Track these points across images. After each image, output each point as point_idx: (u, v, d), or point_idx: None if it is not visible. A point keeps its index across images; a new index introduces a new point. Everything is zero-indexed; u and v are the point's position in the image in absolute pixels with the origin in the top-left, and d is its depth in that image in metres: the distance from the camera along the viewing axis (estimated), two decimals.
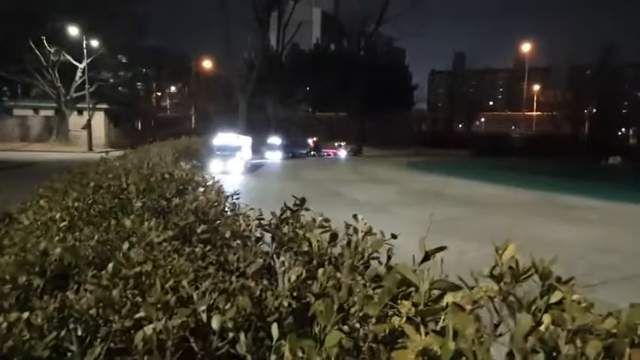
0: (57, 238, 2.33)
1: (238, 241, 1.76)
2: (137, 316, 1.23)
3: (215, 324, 1.13)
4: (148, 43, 51.32)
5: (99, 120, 41.22)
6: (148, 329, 1.05)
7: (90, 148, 35.10)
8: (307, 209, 1.79)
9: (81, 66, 36.97)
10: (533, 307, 0.81)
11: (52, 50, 36.05)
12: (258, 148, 33.41)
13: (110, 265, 1.56)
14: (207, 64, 56.21)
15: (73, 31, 35.78)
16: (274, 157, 32.87)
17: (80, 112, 39.64)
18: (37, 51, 35.02)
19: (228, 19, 38.29)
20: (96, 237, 2.20)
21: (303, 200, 1.69)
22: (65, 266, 1.92)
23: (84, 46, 35.31)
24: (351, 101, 51.22)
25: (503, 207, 11.79)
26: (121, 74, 49.00)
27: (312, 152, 39.52)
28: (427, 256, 1.11)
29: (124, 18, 39.72)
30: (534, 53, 76.17)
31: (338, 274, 1.17)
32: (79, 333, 1.37)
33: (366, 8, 51.97)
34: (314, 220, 1.62)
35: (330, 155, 40.02)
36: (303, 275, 1.23)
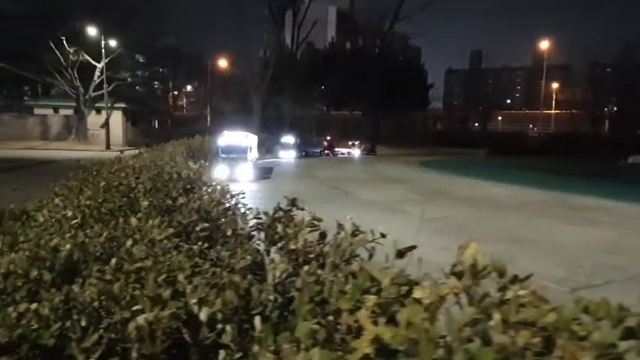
0: (68, 235, 2.46)
1: (234, 240, 1.85)
2: (134, 308, 1.32)
3: (203, 316, 1.22)
4: (165, 43, 51.96)
5: (117, 119, 41.83)
6: (141, 319, 1.14)
7: (108, 147, 35.68)
8: (302, 209, 1.86)
9: (99, 66, 37.57)
10: (487, 302, 0.88)
11: (71, 50, 36.71)
12: (271, 147, 33.50)
13: (113, 261, 1.66)
14: (222, 63, 56.65)
15: (92, 31, 36.41)
16: (288, 156, 32.91)
17: (98, 111, 40.28)
18: (56, 51, 35.69)
19: (243, 19, 38.57)
20: (105, 234, 2.31)
21: (294, 200, 1.77)
22: (74, 261, 2.04)
23: (102, 46, 35.88)
24: (365, 100, 51.13)
25: (512, 207, 11.71)
26: (139, 73, 49.72)
27: (326, 151, 39.55)
28: (400, 254, 1.18)
29: (141, 18, 40.21)
30: (553, 51, 75.06)
31: (320, 271, 1.25)
32: (83, 323, 1.47)
33: (382, 6, 51.90)
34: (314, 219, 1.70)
35: (343, 154, 40.00)
36: (289, 271, 1.31)
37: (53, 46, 35.28)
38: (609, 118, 68.02)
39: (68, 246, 2.09)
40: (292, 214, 1.75)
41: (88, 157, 7.41)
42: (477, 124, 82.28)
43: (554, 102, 75.23)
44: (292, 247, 1.43)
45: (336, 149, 40.34)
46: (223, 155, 17.90)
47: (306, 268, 1.33)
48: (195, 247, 1.75)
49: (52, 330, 1.38)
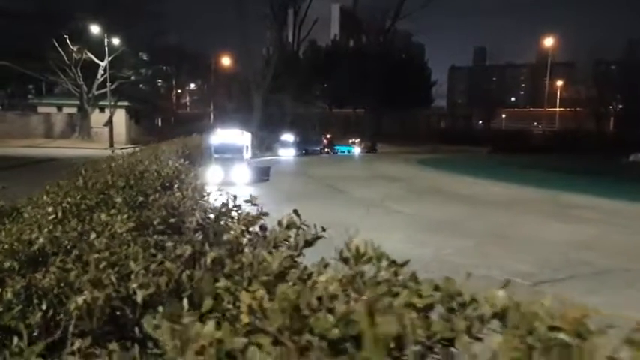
0: (46, 229, 2.64)
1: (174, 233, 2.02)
2: (85, 292, 1.48)
3: (139, 298, 1.39)
4: (169, 41, 52.26)
5: (120, 117, 42.11)
6: (80, 299, 1.31)
7: (111, 145, 35.94)
8: (255, 204, 2.01)
9: (102, 64, 37.84)
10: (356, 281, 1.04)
11: (75, 49, 37.01)
12: (271, 146, 33.59)
13: (75, 252, 1.83)
14: (225, 61, 56.87)
15: (95, 29, 36.68)
16: (287, 154, 32.95)
17: (102, 109, 40.58)
18: (60, 49, 36.00)
19: (244, 16, 38.72)
20: (79, 229, 2.48)
21: (252, 197, 1.91)
22: (46, 253, 2.22)
23: (105, 44, 36.14)
24: (368, 98, 51.20)
25: (503, 205, 11.85)
26: (142, 72, 49.95)
27: (326, 149, 39.58)
28: (308, 243, 1.34)
29: (144, 16, 40.44)
30: (557, 48, 74.80)
31: (244, 259, 1.41)
32: (44, 307, 1.65)
33: (385, 4, 51.88)
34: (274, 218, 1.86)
35: (344, 152, 40.03)
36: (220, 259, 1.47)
37: (57, 45, 35.59)
38: (614, 116, 67.75)
39: (41, 239, 2.26)
40: (241, 209, 1.91)
41: (90, 156, 7.59)
42: (480, 122, 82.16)
43: (558, 99, 75.00)
44: (226, 237, 1.60)
45: (336, 147, 40.39)
46: (216, 156, 16.10)
47: (238, 257, 1.48)
48: (150, 239, 1.92)
49: (13, 312, 1.56)
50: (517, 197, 13.06)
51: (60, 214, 2.96)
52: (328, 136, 41.70)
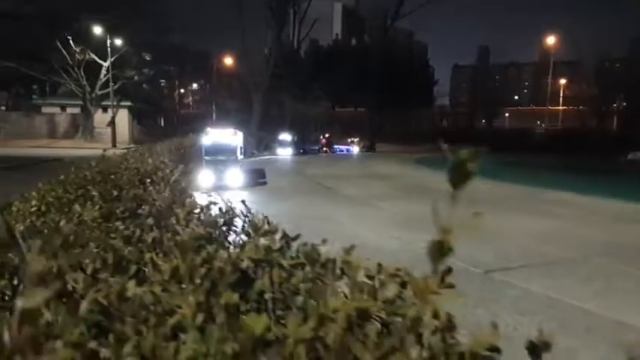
0: (28, 220, 2.89)
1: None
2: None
3: (88, 269, 1.62)
4: (171, 41, 52.51)
5: (123, 117, 42.50)
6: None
7: (114, 145, 36.28)
8: (209, 195, 2.24)
9: (105, 64, 38.21)
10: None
11: (78, 49, 37.38)
12: (270, 145, 33.85)
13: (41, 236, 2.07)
14: (228, 60, 57.19)
15: (98, 30, 37.04)
16: (285, 153, 33.14)
17: (105, 109, 40.97)
18: (63, 50, 36.38)
19: (243, 16, 38.96)
20: (56, 219, 2.73)
21: (209, 191, 2.14)
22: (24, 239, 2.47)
23: (108, 44, 36.49)
24: (368, 97, 51.39)
25: (481, 201, 12.07)
26: (145, 72, 50.32)
27: (324, 148, 39.76)
28: (256, 228, 1.56)
29: (147, 16, 40.74)
30: (560, 46, 74.68)
31: (177, 238, 1.64)
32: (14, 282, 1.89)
33: (387, 3, 51.91)
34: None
35: (342, 151, 40.22)
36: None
37: (60, 46, 35.96)
38: (617, 114, 67.66)
39: (21, 228, 2.51)
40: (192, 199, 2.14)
41: (93, 155, 7.81)
42: (483, 121, 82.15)
43: (561, 98, 74.89)
44: (173, 221, 1.83)
45: (335, 146, 40.58)
46: (207, 157, 14.68)
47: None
48: (112, 225, 2.15)
49: None
50: (500, 194, 13.31)
51: (43, 207, 3.21)
52: (327, 135, 41.94)
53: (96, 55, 37.91)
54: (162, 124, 56.62)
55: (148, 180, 3.30)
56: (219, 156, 14.75)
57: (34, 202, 3.16)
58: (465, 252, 6.95)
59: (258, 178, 16.80)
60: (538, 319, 4.40)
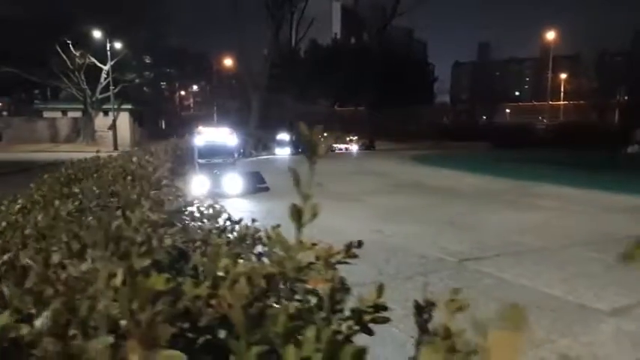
0: (13, 217, 3.05)
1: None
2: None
3: (55, 257, 1.77)
4: (171, 43, 52.65)
5: (124, 120, 42.73)
6: (6, 256, 1.70)
7: (115, 148, 36.51)
8: (169, 186, 2.39)
9: (105, 68, 38.41)
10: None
11: (78, 53, 37.60)
12: (268, 145, 34.05)
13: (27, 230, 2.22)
14: (227, 61, 57.39)
15: (97, 34, 37.24)
16: (283, 153, 33.52)
17: (106, 112, 41.17)
18: (63, 55, 36.60)
19: (239, 15, 39.15)
20: (36, 216, 2.89)
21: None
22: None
23: (108, 48, 36.68)
24: (368, 95, 51.48)
25: (469, 196, 12.31)
26: (145, 74, 50.55)
27: None
28: (234, 222, 1.71)
29: (147, 19, 40.88)
30: (560, 40, 74.54)
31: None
32: None
33: (385, 1, 51.88)
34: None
35: (341, 150, 40.30)
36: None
37: (60, 50, 36.18)
38: (618, 108, 67.44)
39: (4, 224, 2.67)
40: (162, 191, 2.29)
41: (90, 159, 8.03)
42: (484, 117, 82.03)
43: (562, 93, 74.73)
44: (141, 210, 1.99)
45: (334, 145, 40.58)
46: (201, 161, 13.08)
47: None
48: (85, 218, 2.31)
49: None
50: (489, 188, 13.48)
51: (29, 205, 3.37)
52: (325, 134, 41.92)
53: (96, 59, 38.13)
54: (164, 126, 56.88)
55: (129, 178, 3.45)
56: (214, 158, 13.19)
57: (20, 201, 3.32)
58: (444, 243, 7.17)
59: (258, 182, 15.36)
60: (502, 302, 4.52)
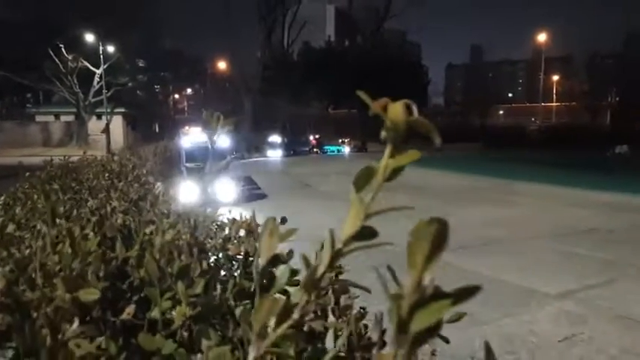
0: None
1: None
2: None
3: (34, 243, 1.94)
4: (165, 47, 52.72)
5: (117, 124, 42.74)
6: None
7: (108, 151, 36.50)
8: (156, 182, 2.56)
9: (98, 71, 38.43)
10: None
11: (70, 57, 37.59)
12: (260, 147, 34.25)
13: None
14: (221, 65, 57.50)
15: (90, 37, 37.25)
16: (275, 154, 33.66)
17: (99, 116, 41.13)
18: (55, 58, 36.58)
19: (232, 19, 39.38)
20: (15, 210, 3.06)
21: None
22: None
23: (100, 52, 36.70)
24: (360, 98, 51.65)
25: (450, 193, 12.58)
26: (139, 78, 50.55)
27: (315, 149, 40.02)
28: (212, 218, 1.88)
29: (140, 23, 40.92)
30: (552, 42, 75.05)
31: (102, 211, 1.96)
32: None
33: (379, 3, 52.25)
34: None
35: (333, 152, 40.46)
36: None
37: (52, 54, 36.16)
38: (610, 109, 68.04)
39: None
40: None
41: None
42: (478, 119, 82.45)
43: (554, 94, 75.34)
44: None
45: (325, 147, 40.81)
46: (188, 165, 11.87)
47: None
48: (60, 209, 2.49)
49: None
50: (471, 186, 13.79)
51: (11, 202, 3.55)
52: (317, 136, 42.18)
53: (89, 63, 38.13)
54: (158, 129, 56.89)
55: (107, 175, 3.62)
56: (203, 164, 10.89)
57: (2, 198, 3.49)
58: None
59: (252, 189, 14.43)
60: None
